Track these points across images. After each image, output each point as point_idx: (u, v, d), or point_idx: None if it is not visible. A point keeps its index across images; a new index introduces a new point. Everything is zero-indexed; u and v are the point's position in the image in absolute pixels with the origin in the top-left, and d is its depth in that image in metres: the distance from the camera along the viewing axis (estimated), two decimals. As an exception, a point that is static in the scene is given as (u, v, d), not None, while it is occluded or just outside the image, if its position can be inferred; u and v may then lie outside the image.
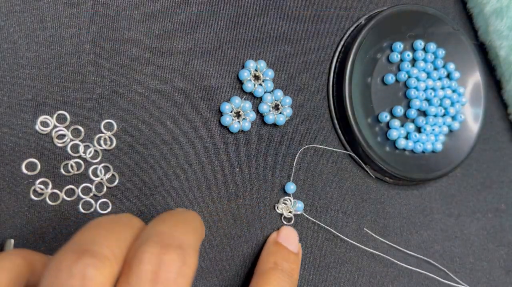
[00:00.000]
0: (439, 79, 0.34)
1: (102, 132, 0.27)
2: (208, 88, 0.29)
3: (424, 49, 0.33)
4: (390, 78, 0.32)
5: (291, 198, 0.31)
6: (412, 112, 0.33)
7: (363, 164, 0.33)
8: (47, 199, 0.26)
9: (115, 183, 0.27)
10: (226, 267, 0.29)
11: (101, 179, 0.27)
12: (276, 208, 0.31)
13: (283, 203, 0.31)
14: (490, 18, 0.35)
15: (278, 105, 0.30)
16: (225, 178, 0.29)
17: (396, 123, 0.32)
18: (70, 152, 0.26)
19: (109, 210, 0.27)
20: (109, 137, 0.27)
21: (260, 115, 0.30)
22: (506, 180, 0.38)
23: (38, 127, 0.26)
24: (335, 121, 0.32)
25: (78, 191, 0.26)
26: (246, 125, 0.29)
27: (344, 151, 0.33)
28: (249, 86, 0.29)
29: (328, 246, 0.32)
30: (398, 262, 0.33)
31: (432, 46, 0.33)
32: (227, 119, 0.29)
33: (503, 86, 0.37)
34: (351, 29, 0.33)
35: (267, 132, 0.31)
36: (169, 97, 0.28)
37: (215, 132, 0.29)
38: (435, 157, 0.34)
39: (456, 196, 0.36)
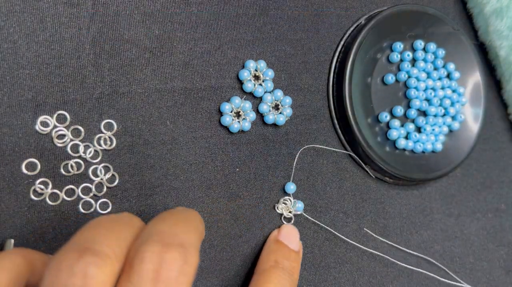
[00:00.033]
0: (439, 79, 0.34)
1: (102, 132, 0.27)
2: (208, 88, 0.29)
3: (424, 49, 0.33)
4: (390, 78, 0.32)
5: (291, 198, 0.31)
6: (412, 112, 0.33)
7: (363, 164, 0.33)
8: (47, 199, 0.26)
9: (115, 183, 0.27)
10: (226, 267, 0.29)
11: (101, 179, 0.27)
12: (276, 208, 0.31)
13: (283, 203, 0.31)
14: (490, 18, 0.35)
15: (278, 105, 0.30)
16: (225, 178, 0.29)
17: (396, 123, 0.32)
18: (70, 152, 0.26)
19: (109, 210, 0.27)
20: (109, 137, 0.27)
21: (260, 115, 0.30)
22: (506, 180, 0.38)
23: (38, 127, 0.26)
24: (335, 121, 0.32)
25: (78, 191, 0.26)
26: (246, 125, 0.29)
27: (344, 151, 0.33)
28: (249, 86, 0.29)
29: (328, 246, 0.32)
30: (398, 262, 0.33)
31: (432, 46, 0.33)
32: (227, 119, 0.29)
33: (503, 86, 0.37)
34: (351, 29, 0.33)
35: (267, 132, 0.31)
36: (169, 97, 0.28)
37: (215, 132, 0.29)
38: (435, 157, 0.34)
39: (456, 196, 0.36)
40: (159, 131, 0.28)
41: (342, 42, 0.32)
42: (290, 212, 0.30)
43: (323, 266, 0.31)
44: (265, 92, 0.30)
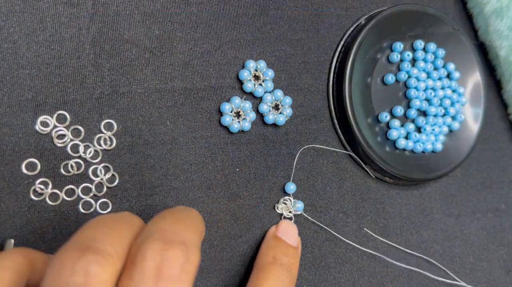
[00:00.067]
0: (439, 79, 0.34)
1: (102, 132, 0.27)
2: (208, 88, 0.29)
3: (424, 49, 0.33)
4: (390, 78, 0.32)
5: (291, 198, 0.31)
6: (412, 112, 0.33)
7: (363, 164, 0.33)
8: (47, 199, 0.26)
9: (115, 183, 0.27)
10: (226, 267, 0.29)
11: (101, 179, 0.27)
12: (276, 208, 0.31)
13: (283, 203, 0.31)
14: (490, 18, 0.35)
15: (278, 105, 0.30)
16: (225, 178, 0.29)
17: (396, 123, 0.32)
18: (70, 152, 0.26)
19: (109, 210, 0.27)
20: (109, 137, 0.27)
21: (260, 115, 0.30)
22: (506, 180, 0.38)
23: (38, 127, 0.26)
24: (335, 121, 0.32)
25: (78, 191, 0.26)
26: (246, 125, 0.29)
27: (344, 151, 0.33)
28: (249, 86, 0.29)
29: (328, 246, 0.32)
30: (397, 262, 0.33)
31: (432, 46, 0.33)
32: (227, 119, 0.29)
33: (503, 86, 0.37)
34: (351, 29, 0.33)
35: (267, 132, 0.31)
36: (169, 97, 0.28)
37: (215, 132, 0.29)
38: (435, 157, 0.34)
39: (456, 196, 0.36)
40: (159, 131, 0.28)
41: (342, 42, 0.32)
42: (290, 212, 0.30)
43: (323, 266, 0.31)
44: (265, 92, 0.30)
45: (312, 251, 0.31)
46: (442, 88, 0.34)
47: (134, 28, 0.27)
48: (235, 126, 0.29)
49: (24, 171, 0.25)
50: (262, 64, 0.30)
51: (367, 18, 0.33)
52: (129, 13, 0.27)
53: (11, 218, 0.25)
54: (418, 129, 0.33)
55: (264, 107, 0.30)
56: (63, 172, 0.26)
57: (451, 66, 0.34)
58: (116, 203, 0.27)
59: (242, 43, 0.30)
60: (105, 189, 0.27)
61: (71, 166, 0.26)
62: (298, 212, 0.31)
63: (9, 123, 0.25)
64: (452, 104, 0.34)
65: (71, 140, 0.26)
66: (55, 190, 0.26)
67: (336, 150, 0.32)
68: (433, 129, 0.33)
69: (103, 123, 0.27)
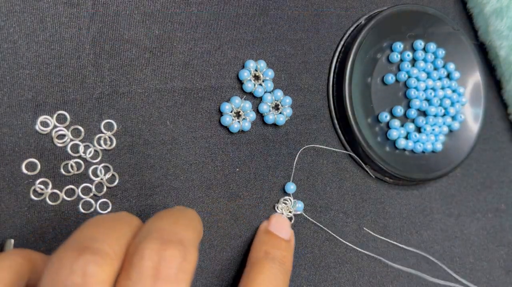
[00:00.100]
0: (439, 79, 0.34)
1: (102, 132, 0.27)
2: (208, 88, 0.29)
3: (424, 49, 0.33)
4: (390, 78, 0.32)
5: (291, 198, 0.31)
6: (412, 112, 0.33)
7: (363, 164, 0.33)
8: (47, 199, 0.26)
9: (115, 183, 0.27)
10: (226, 267, 0.29)
11: (101, 179, 0.27)
12: (276, 208, 0.31)
13: (283, 203, 0.31)
14: (490, 18, 0.35)
15: (278, 105, 0.30)
16: (225, 178, 0.29)
17: (396, 123, 0.32)
18: (70, 152, 0.26)
19: (109, 210, 0.27)
20: (109, 137, 0.27)
21: (260, 115, 0.30)
22: (506, 180, 0.38)
23: (38, 127, 0.26)
24: (335, 121, 0.32)
25: (78, 191, 0.26)
26: (246, 125, 0.29)
27: (344, 151, 0.33)
28: (249, 86, 0.29)
29: (328, 246, 0.32)
30: (395, 265, 0.33)
31: (432, 46, 0.33)
32: (227, 119, 0.29)
33: (503, 86, 0.37)
34: (351, 29, 0.33)
35: (267, 132, 0.31)
36: (169, 97, 0.28)
37: (215, 132, 0.29)
38: (435, 157, 0.34)
39: (456, 196, 0.36)
40: (159, 131, 0.28)
41: (342, 42, 0.32)
42: (290, 212, 0.30)
43: (323, 266, 0.31)
44: (265, 92, 0.30)
45: (312, 251, 0.31)
46: (442, 88, 0.34)
47: (134, 28, 0.27)
48: (235, 126, 0.29)
49: (24, 171, 0.25)
50: (262, 64, 0.30)
51: (367, 18, 0.33)
52: (129, 13, 0.27)
53: (11, 218, 0.25)
54: (418, 129, 0.33)
55: (264, 107, 0.30)
56: (63, 172, 0.26)
57: (451, 66, 0.34)
58: (116, 203, 0.27)
59: (242, 43, 0.30)
60: (105, 189, 0.27)
61: (71, 166, 0.26)
62: (298, 212, 0.31)
63: (9, 123, 0.25)
64: (452, 104, 0.34)
65: (71, 140, 0.26)
66: (55, 190, 0.26)
67: (336, 150, 0.32)
68: (433, 129, 0.33)
69: (103, 123, 0.27)
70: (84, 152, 0.27)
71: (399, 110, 0.32)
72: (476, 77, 0.35)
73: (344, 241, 0.32)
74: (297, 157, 0.31)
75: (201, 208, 0.29)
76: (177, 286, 0.18)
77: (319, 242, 0.31)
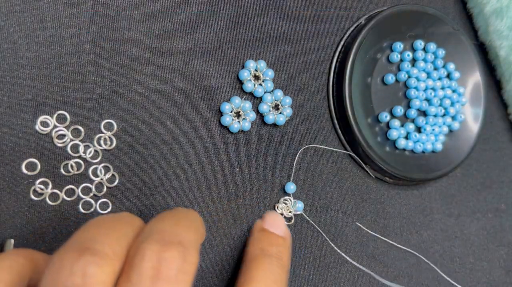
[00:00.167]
0: (439, 79, 0.34)
1: (102, 132, 0.27)
2: (208, 88, 0.29)
3: (424, 49, 0.33)
4: (390, 78, 0.32)
5: (291, 198, 0.31)
6: (412, 112, 0.33)
7: (363, 164, 0.33)
8: (47, 199, 0.26)
9: (115, 183, 0.27)
10: (226, 267, 0.29)
11: (101, 179, 0.27)
12: (276, 208, 0.31)
13: (283, 203, 0.31)
14: (490, 18, 0.35)
15: (278, 105, 0.30)
16: (225, 178, 0.29)
17: (396, 123, 0.32)
18: (70, 152, 0.26)
19: (109, 210, 0.27)
20: (109, 137, 0.27)
21: (260, 115, 0.30)
22: (506, 180, 0.38)
23: (38, 127, 0.26)
24: (335, 121, 0.32)
25: (78, 191, 0.26)
26: (246, 125, 0.29)
27: (344, 151, 0.33)
28: (249, 86, 0.29)
29: (328, 246, 0.32)
30: (381, 279, 0.33)
31: (432, 46, 0.33)
32: (227, 119, 0.29)
33: (503, 86, 0.37)
34: (351, 29, 0.33)
35: (267, 132, 0.31)
36: (169, 97, 0.28)
37: (215, 132, 0.29)
38: (435, 157, 0.34)
39: (456, 196, 0.36)
40: (159, 131, 0.28)
41: (342, 42, 0.32)
42: (290, 212, 0.30)
43: (323, 266, 0.31)
44: (265, 92, 0.30)
45: (312, 251, 0.31)
46: (442, 88, 0.34)
47: (134, 28, 0.27)
48: (235, 126, 0.29)
49: (24, 171, 0.25)
50: (262, 64, 0.30)
51: (367, 18, 0.33)
52: (129, 13, 0.27)
53: (11, 218, 0.25)
54: (418, 129, 0.33)
55: (264, 107, 0.30)
56: (63, 172, 0.26)
57: (451, 66, 0.34)
58: (116, 203, 0.27)
59: (242, 43, 0.30)
60: (105, 189, 0.27)
61: (71, 166, 0.26)
62: (298, 212, 0.31)
63: (9, 123, 0.25)
64: (452, 104, 0.34)
65: (71, 140, 0.26)
66: (55, 190, 0.26)
67: (336, 150, 0.32)
68: (433, 129, 0.33)
69: (103, 123, 0.27)
70: (84, 152, 0.27)
71: (399, 110, 0.32)
72: (476, 77, 0.35)
73: (337, 249, 0.32)
74: (297, 157, 0.31)
75: (201, 208, 0.29)
76: None
77: (319, 242, 0.31)
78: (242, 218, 0.30)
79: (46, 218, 0.26)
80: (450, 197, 0.36)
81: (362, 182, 0.33)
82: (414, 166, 0.33)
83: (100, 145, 0.27)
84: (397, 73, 0.33)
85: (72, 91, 0.26)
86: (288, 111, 0.30)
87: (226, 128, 0.29)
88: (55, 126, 0.26)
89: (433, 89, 0.33)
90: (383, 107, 0.32)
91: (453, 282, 0.34)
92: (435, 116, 0.34)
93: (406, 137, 0.33)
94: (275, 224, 0.28)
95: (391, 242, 0.33)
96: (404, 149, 0.33)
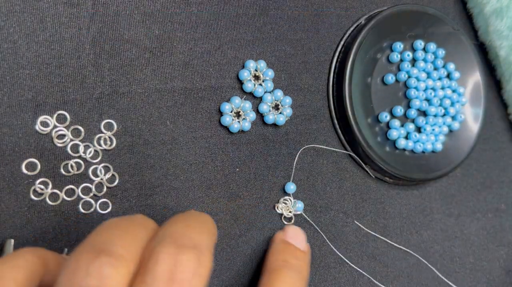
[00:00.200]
0: (439, 79, 0.34)
1: (102, 132, 0.27)
2: (208, 88, 0.29)
3: (424, 49, 0.33)
4: (390, 78, 0.32)
5: (291, 198, 0.31)
6: (412, 112, 0.33)
7: (363, 164, 0.33)
8: (47, 199, 0.26)
9: (115, 183, 0.27)
10: (226, 267, 0.29)
11: (101, 179, 0.27)
12: (276, 208, 0.31)
13: (283, 203, 0.31)
14: (490, 18, 0.35)
15: (278, 105, 0.30)
16: (225, 178, 0.29)
17: (396, 123, 0.32)
18: (70, 152, 0.26)
19: (109, 210, 0.27)
20: (109, 137, 0.27)
21: (260, 115, 0.30)
22: (506, 180, 0.38)
23: (38, 127, 0.26)
24: (335, 121, 0.32)
25: (78, 191, 0.26)
26: (246, 125, 0.29)
27: (344, 151, 0.33)
28: (249, 86, 0.29)
29: (328, 246, 0.32)
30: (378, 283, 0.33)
31: (432, 46, 0.33)
32: (227, 119, 0.29)
33: (503, 86, 0.37)
34: (351, 29, 0.33)
35: (267, 132, 0.31)
36: (169, 97, 0.28)
37: (215, 132, 0.29)
38: (435, 157, 0.34)
39: (456, 196, 0.36)
40: (159, 131, 0.28)
41: (342, 42, 0.32)
42: (290, 212, 0.30)
43: (323, 266, 0.31)
44: (265, 92, 0.30)
45: (312, 251, 0.31)
46: (442, 88, 0.34)
47: (134, 28, 0.27)
48: (235, 126, 0.29)
49: (24, 171, 0.25)
50: (262, 64, 0.30)
51: (367, 18, 0.33)
52: (129, 13, 0.27)
53: (11, 218, 0.25)
54: (418, 129, 0.33)
55: (264, 107, 0.30)
56: (63, 172, 0.26)
57: (451, 66, 0.34)
58: (116, 203, 0.27)
59: (242, 43, 0.30)
60: (105, 189, 0.27)
61: (71, 166, 0.26)
62: (298, 212, 0.31)
63: (9, 123, 0.25)
64: (452, 104, 0.34)
65: (71, 140, 0.26)
66: (55, 190, 0.26)
67: (336, 150, 0.32)
68: (433, 129, 0.33)
69: (103, 123, 0.27)
70: (84, 152, 0.27)
71: (399, 110, 0.32)
72: (476, 77, 0.35)
73: (336, 250, 0.32)
74: (297, 157, 0.31)
75: (201, 208, 0.29)
76: None
77: (319, 242, 0.31)
78: (242, 218, 0.30)
79: (46, 218, 0.26)
80: (450, 197, 0.36)
81: (362, 182, 0.33)
82: (414, 166, 0.33)
83: (100, 145, 0.27)
84: (397, 73, 0.33)
85: (72, 91, 0.26)
86: (288, 111, 0.30)
87: (226, 128, 0.29)
88: (55, 126, 0.26)
89: (433, 89, 0.33)
90: (383, 107, 0.32)
91: (450, 283, 0.34)
92: (435, 116, 0.34)
93: (406, 137, 0.33)
94: (297, 238, 0.29)
95: (391, 242, 0.33)
96: (404, 149, 0.33)
